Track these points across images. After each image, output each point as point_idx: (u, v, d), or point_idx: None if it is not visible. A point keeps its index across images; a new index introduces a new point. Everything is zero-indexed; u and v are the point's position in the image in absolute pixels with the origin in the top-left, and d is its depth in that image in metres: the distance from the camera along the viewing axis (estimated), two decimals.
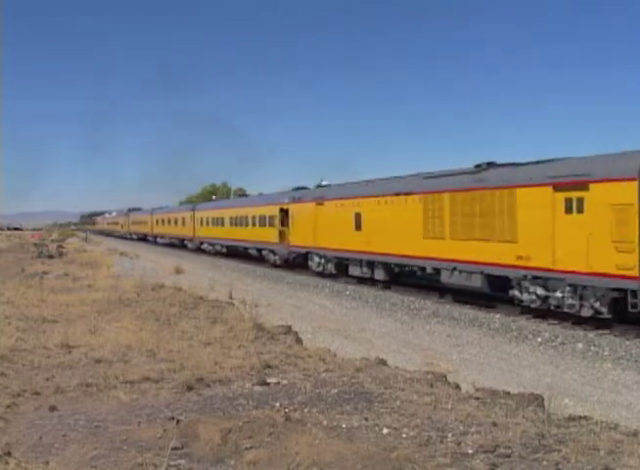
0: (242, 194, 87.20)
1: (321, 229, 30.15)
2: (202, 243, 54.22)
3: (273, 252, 37.05)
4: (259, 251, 40.06)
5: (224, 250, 48.59)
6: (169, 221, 67.20)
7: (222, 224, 48.50)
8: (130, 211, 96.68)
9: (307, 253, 31.88)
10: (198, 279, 28.79)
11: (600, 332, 16.00)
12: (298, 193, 35.40)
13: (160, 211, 76.87)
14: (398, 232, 23.24)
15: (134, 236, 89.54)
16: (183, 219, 60.59)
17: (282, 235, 35.27)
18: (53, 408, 8.07)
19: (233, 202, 50.04)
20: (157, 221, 73.65)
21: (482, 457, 6.14)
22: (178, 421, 7.22)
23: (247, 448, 6.45)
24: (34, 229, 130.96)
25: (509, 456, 6.15)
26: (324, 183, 36.07)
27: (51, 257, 41.78)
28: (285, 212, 35.28)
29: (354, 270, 27.28)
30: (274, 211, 36.76)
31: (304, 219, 32.27)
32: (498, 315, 18.88)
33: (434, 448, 6.39)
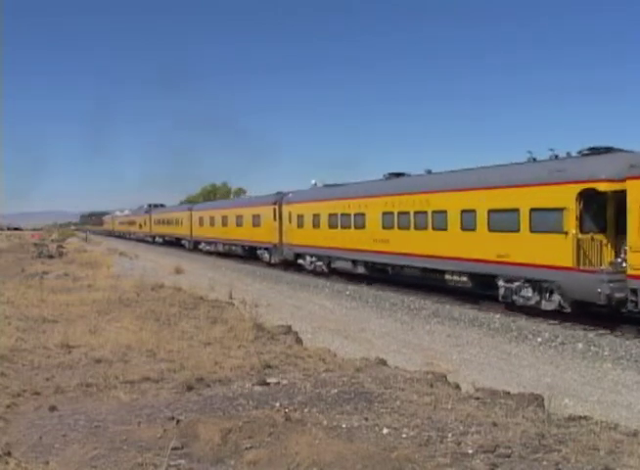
0: (243, 195, 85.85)
1: None
2: (298, 255, 33.47)
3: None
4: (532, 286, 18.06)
5: (391, 270, 26.14)
6: (225, 221, 46.36)
7: (389, 224, 25.03)
8: (152, 207, 78.98)
9: None
10: (198, 279, 28.78)
11: (600, 332, 16.01)
12: None
13: (206, 206, 58.28)
14: None
15: (159, 239, 72.36)
16: (256, 217, 39.59)
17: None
18: (53, 408, 8.07)
19: (414, 181, 25.53)
20: (200, 221, 53.62)
21: (482, 457, 6.14)
22: (178, 421, 7.21)
23: (247, 448, 6.45)
24: (34, 229, 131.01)
25: (509, 456, 6.15)
26: None
27: (51, 257, 41.78)
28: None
29: None
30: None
31: None
32: (498, 315, 18.88)
33: (434, 448, 6.39)
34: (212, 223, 50.16)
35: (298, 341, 13.77)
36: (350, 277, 28.91)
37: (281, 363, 10.82)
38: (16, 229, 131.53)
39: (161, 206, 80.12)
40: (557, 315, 17.71)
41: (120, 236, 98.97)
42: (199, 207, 59.21)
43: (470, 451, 6.29)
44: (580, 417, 7.83)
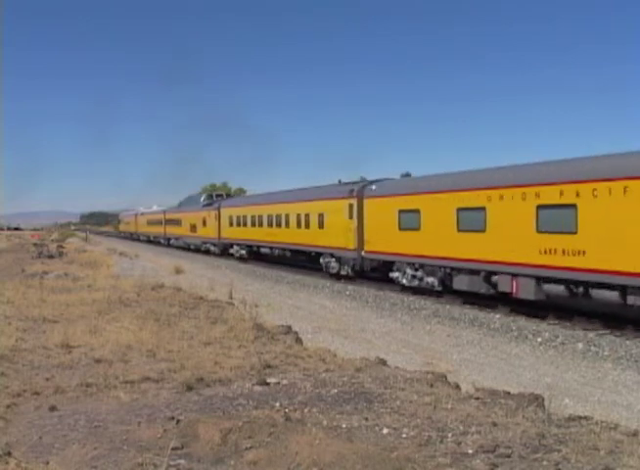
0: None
1: None
2: None
3: None
4: None
5: None
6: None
7: None
8: (215, 198, 53.06)
9: None
10: (198, 279, 28.78)
11: (600, 332, 16.01)
12: None
13: (406, 186, 24.13)
14: None
15: (239, 249, 42.87)
16: None
17: None
18: (53, 408, 8.06)
19: None
20: (404, 218, 23.26)
21: (482, 457, 6.13)
22: (178, 421, 7.21)
23: (247, 448, 6.44)
24: (34, 229, 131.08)
25: (509, 456, 6.14)
26: None
27: (51, 257, 41.77)
28: None
29: None
30: None
31: None
32: (498, 315, 18.88)
33: (433, 448, 6.38)
34: (476, 226, 19.67)
35: (298, 341, 13.77)
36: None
37: (281, 363, 10.82)
38: (16, 229, 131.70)
39: (222, 196, 54.66)
40: (558, 315, 17.72)
41: (150, 241, 73.63)
42: (384, 188, 25.71)
43: (470, 451, 6.28)
44: (580, 417, 7.82)
